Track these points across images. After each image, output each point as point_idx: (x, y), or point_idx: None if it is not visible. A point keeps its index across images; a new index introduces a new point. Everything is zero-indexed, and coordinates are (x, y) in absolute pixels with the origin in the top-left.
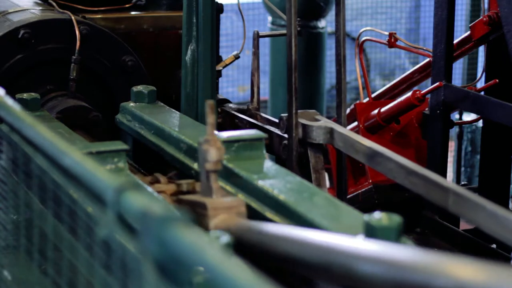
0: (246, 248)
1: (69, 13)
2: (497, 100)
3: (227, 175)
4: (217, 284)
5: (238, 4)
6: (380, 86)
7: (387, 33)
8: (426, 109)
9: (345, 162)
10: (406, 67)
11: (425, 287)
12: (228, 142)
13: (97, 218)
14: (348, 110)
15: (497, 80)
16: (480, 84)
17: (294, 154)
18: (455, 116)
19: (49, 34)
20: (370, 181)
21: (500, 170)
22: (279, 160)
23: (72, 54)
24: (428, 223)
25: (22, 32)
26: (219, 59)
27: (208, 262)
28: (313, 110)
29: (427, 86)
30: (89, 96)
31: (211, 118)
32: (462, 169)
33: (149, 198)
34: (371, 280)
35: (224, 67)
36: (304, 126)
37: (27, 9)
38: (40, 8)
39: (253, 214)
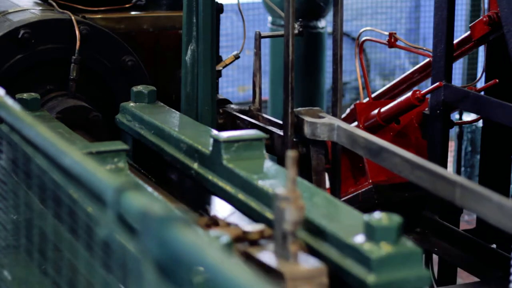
0: None
1: (69, 13)
2: (497, 100)
3: (227, 175)
4: (217, 284)
5: (238, 4)
6: (380, 86)
7: (387, 33)
8: (426, 109)
9: (340, 162)
10: (406, 67)
11: None
12: (228, 142)
13: (97, 218)
14: (348, 110)
15: (497, 80)
16: (480, 84)
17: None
18: (455, 116)
19: (49, 34)
20: (370, 181)
21: (500, 170)
22: (281, 162)
23: (72, 54)
24: (428, 223)
25: (22, 32)
26: (219, 59)
27: (208, 262)
28: (317, 108)
29: (427, 86)
30: (89, 96)
31: (292, 172)
32: (462, 169)
33: (149, 198)
34: None
35: (224, 67)
36: (309, 123)
37: (27, 9)
38: (40, 8)
39: (253, 214)
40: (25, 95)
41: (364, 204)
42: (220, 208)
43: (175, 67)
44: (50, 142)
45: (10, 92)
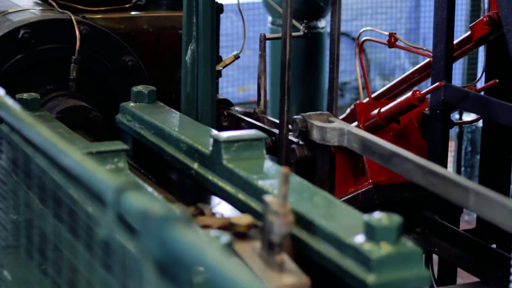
0: None
1: (69, 13)
2: (497, 100)
3: (227, 175)
4: (217, 284)
5: (238, 4)
6: (380, 86)
7: (387, 33)
8: (426, 109)
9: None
10: (406, 67)
11: None
12: (228, 142)
13: (97, 218)
14: (348, 110)
15: (497, 80)
16: (480, 84)
17: (285, 150)
18: (455, 116)
19: (49, 34)
20: (370, 181)
21: (500, 170)
22: (287, 164)
23: (72, 54)
24: (428, 223)
25: (22, 32)
26: (219, 59)
27: (208, 262)
28: (327, 112)
29: (427, 86)
30: (89, 96)
31: (283, 189)
32: (462, 169)
33: (149, 198)
34: None
35: (224, 67)
36: (318, 128)
37: (27, 9)
38: (40, 8)
39: (253, 214)
40: (25, 95)
41: (364, 204)
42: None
43: (175, 67)
44: (50, 142)
45: (10, 92)
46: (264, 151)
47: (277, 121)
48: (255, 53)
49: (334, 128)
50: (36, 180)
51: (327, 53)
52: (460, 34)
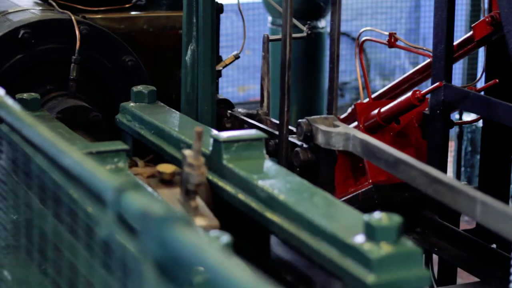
0: None
1: (69, 13)
2: (497, 100)
3: (227, 175)
4: (217, 284)
5: (238, 4)
6: (380, 86)
7: (387, 33)
8: (426, 109)
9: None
10: (406, 67)
11: None
12: (228, 142)
13: (97, 218)
14: (349, 110)
15: (497, 80)
16: (480, 84)
17: (285, 151)
18: (455, 116)
19: (49, 34)
20: (370, 181)
21: (500, 170)
22: (291, 167)
23: (72, 54)
24: (428, 223)
25: (22, 32)
26: (219, 59)
27: (208, 262)
28: (332, 116)
29: (427, 86)
30: (89, 96)
31: (196, 145)
32: (462, 169)
33: (149, 198)
34: None
35: (224, 67)
36: (323, 132)
37: (27, 9)
38: (40, 8)
39: (253, 214)
40: (25, 95)
41: (364, 204)
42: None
43: (175, 67)
44: (50, 142)
45: (10, 92)
46: (264, 151)
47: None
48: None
49: (339, 133)
50: (36, 180)
51: (327, 53)
52: (460, 34)
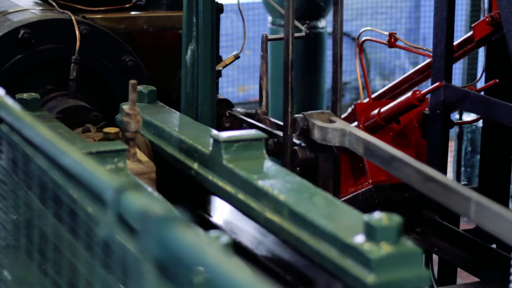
0: None
1: (69, 13)
2: (497, 100)
3: (227, 175)
4: (217, 284)
5: (238, 4)
6: (380, 86)
7: (387, 33)
8: (426, 109)
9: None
10: (406, 67)
11: None
12: (228, 142)
13: (97, 218)
14: (349, 110)
15: (497, 80)
16: (480, 84)
17: (289, 152)
18: (455, 116)
19: (49, 34)
20: (370, 181)
21: (500, 170)
22: (291, 166)
23: (72, 54)
24: (428, 223)
25: (22, 32)
26: (219, 59)
27: (208, 262)
28: (328, 111)
29: (427, 86)
30: (89, 96)
31: (132, 96)
32: (462, 169)
33: (149, 198)
34: None
35: (224, 67)
36: (319, 128)
37: (27, 9)
38: (40, 8)
39: (253, 214)
40: (25, 95)
41: (364, 204)
42: None
43: (175, 67)
44: (50, 142)
45: (10, 92)
46: (264, 151)
47: (279, 122)
48: (255, 53)
49: (336, 129)
50: (36, 180)
51: (327, 53)
52: (460, 34)
